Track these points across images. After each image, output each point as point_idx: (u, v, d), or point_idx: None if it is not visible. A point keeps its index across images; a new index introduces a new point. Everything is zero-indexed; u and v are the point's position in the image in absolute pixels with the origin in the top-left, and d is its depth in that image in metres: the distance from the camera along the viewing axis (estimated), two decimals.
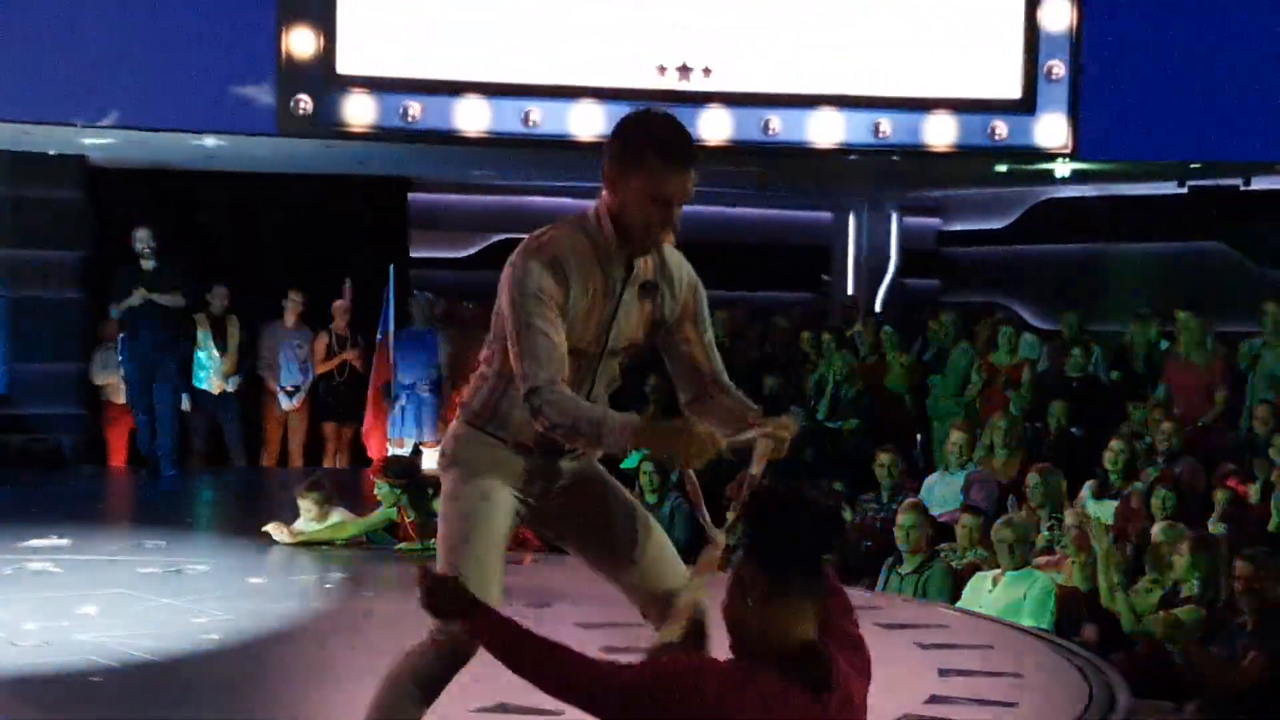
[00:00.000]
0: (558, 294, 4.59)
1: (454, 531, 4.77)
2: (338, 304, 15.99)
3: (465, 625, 4.01)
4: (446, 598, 4.05)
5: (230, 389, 15.70)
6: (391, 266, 15.27)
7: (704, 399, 4.90)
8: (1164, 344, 14.35)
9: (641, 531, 4.91)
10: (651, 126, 4.66)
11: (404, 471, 11.29)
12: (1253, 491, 11.12)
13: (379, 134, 13.94)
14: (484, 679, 7.03)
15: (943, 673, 7.35)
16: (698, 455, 4.40)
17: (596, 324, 4.70)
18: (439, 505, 4.88)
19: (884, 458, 12.22)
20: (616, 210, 4.66)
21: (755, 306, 17.56)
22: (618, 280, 4.72)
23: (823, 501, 3.72)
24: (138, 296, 14.51)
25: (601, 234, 4.68)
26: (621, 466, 11.32)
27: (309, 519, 11.14)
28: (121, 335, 14.95)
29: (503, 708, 6.63)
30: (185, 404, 15.24)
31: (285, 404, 15.95)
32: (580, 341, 4.67)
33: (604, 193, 4.70)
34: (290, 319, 16.01)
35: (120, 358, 15.10)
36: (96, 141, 14.66)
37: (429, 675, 4.73)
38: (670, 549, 4.99)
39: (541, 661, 3.77)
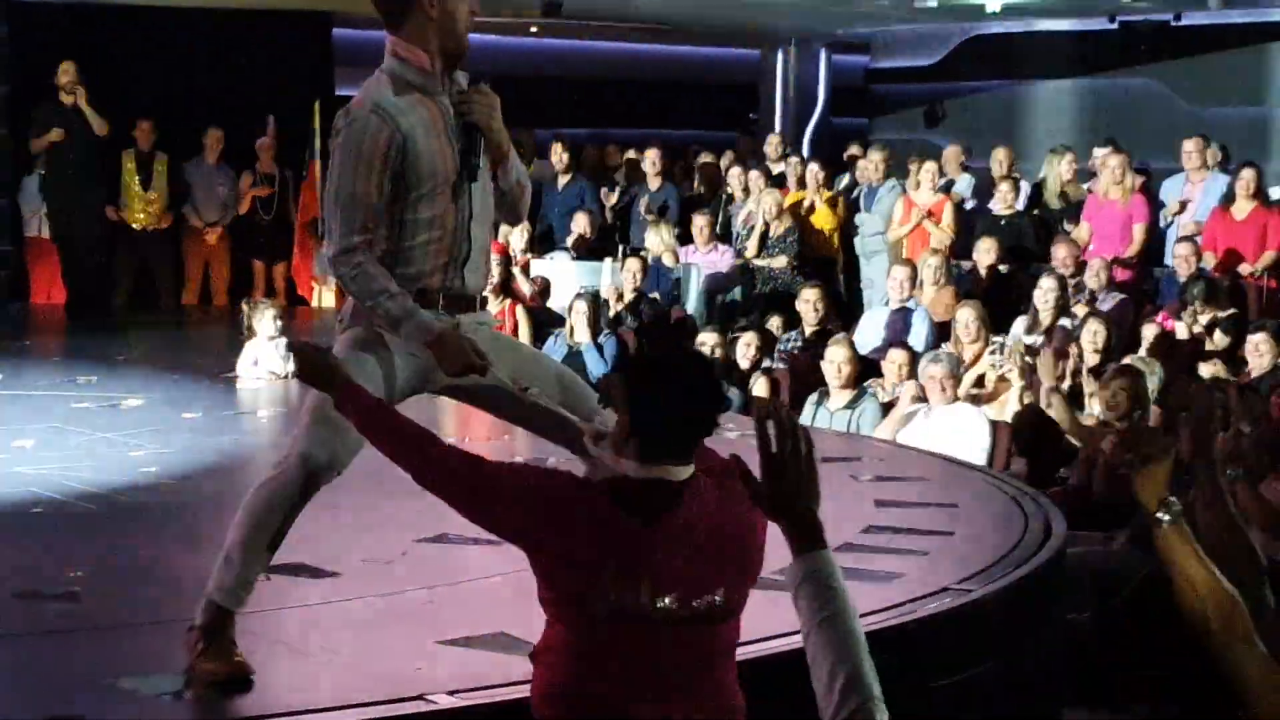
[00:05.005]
0: (386, 143, 4.61)
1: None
2: (261, 141, 15.78)
3: (333, 400, 4.09)
4: (317, 369, 4.14)
5: (161, 225, 15.49)
6: (317, 103, 15.09)
7: None
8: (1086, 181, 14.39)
9: (545, 368, 4.95)
10: None
11: None
12: (1180, 328, 11.23)
13: None
14: (426, 512, 7.10)
15: (879, 504, 7.41)
16: (450, 362, 4.62)
17: (447, 151, 4.72)
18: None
19: (810, 294, 12.27)
20: (437, 26, 4.69)
21: (683, 144, 17.47)
22: (447, 104, 4.75)
23: (705, 376, 3.73)
24: (57, 132, 14.32)
25: (415, 67, 4.71)
26: None
27: (267, 333, 11.02)
28: (40, 172, 14.75)
29: (444, 538, 6.67)
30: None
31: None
32: (440, 174, 4.70)
33: (406, 25, 4.70)
34: (211, 157, 15.81)
35: (41, 194, 14.92)
36: None
37: (288, 497, 4.73)
38: (574, 378, 4.99)
39: (404, 441, 3.86)
